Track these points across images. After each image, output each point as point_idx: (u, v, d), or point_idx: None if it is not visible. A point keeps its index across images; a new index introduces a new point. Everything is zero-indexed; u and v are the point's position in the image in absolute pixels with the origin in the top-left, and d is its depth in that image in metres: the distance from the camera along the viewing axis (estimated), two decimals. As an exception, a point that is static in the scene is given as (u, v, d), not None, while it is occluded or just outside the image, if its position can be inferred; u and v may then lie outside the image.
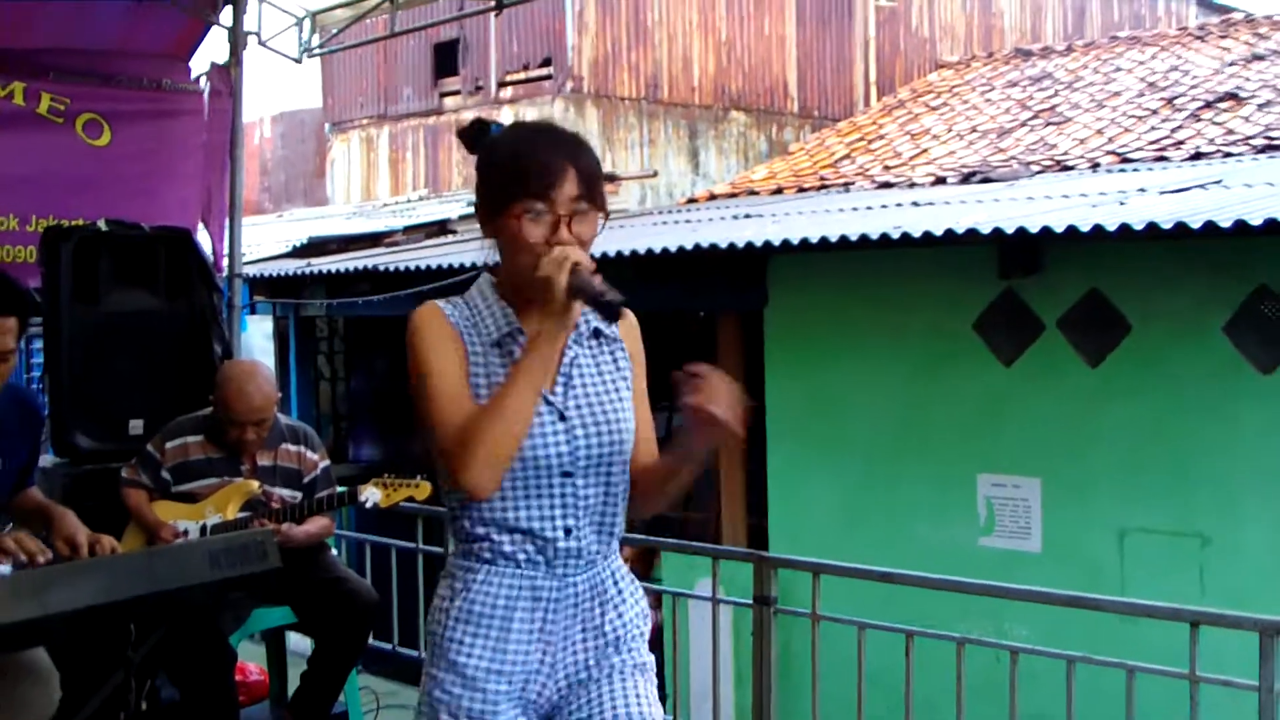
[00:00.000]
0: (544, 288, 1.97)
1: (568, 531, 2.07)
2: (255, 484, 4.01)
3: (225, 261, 5.49)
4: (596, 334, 2.16)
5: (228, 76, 5.49)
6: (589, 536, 2.10)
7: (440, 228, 10.87)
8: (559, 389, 2.09)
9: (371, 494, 3.98)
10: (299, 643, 4.61)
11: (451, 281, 7.87)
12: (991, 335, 6.64)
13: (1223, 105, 9.82)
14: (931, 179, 9.93)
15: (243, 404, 3.96)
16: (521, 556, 2.06)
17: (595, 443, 2.09)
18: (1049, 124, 10.78)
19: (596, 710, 2.09)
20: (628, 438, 2.13)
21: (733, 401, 1.95)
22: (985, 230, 5.85)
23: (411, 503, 4.13)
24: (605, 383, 2.14)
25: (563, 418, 2.07)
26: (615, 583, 2.15)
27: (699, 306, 8.26)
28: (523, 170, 2.00)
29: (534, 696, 2.08)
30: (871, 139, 12.04)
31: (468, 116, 14.19)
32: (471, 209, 11.69)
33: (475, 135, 2.13)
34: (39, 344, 6.14)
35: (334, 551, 4.39)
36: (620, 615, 2.14)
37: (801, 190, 10.81)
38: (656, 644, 3.28)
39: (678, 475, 2.15)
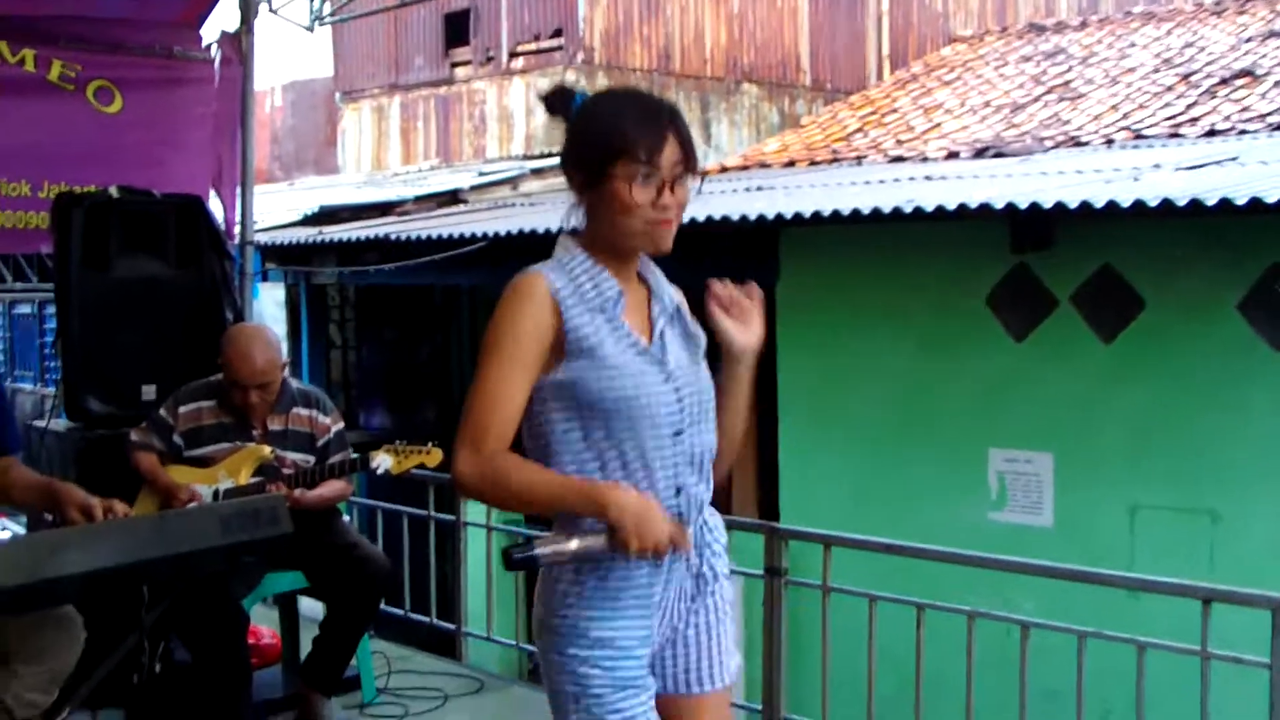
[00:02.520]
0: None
1: (678, 491, 2.12)
2: (268, 449, 4.02)
3: (237, 229, 5.49)
4: (677, 311, 2.24)
5: (238, 44, 5.47)
6: (695, 495, 2.15)
7: (451, 197, 10.87)
8: (655, 348, 2.14)
9: (383, 460, 3.99)
10: (312, 607, 4.63)
11: (463, 251, 7.86)
12: (1003, 310, 6.62)
13: (1239, 82, 9.75)
14: (944, 153, 9.88)
15: (246, 366, 3.98)
16: None
17: (696, 400, 2.14)
18: (1063, 99, 10.71)
19: (684, 666, 2.21)
20: (713, 396, 2.20)
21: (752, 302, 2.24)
22: (998, 205, 5.82)
23: (423, 469, 4.14)
24: (688, 347, 2.21)
25: (669, 377, 2.12)
26: (710, 530, 2.23)
27: (709, 280, 8.21)
28: (630, 135, 2.06)
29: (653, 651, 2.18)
30: (884, 112, 11.98)
31: (479, 86, 14.14)
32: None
33: (560, 100, 2.17)
34: (52, 309, 6.14)
35: (346, 518, 4.40)
36: (714, 554, 2.23)
37: (813, 163, 10.76)
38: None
39: (735, 404, 2.23)
